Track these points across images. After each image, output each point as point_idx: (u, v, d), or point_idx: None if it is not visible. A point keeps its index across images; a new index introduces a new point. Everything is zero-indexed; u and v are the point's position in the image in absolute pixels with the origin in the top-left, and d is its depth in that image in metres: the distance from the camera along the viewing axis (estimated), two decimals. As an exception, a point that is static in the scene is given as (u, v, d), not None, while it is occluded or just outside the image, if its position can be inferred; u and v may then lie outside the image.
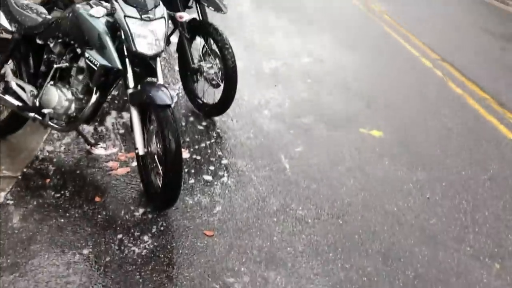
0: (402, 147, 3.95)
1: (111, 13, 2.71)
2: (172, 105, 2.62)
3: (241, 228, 2.80)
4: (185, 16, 3.13)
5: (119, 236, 2.64)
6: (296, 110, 4.45)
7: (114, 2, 2.77)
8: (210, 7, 3.77)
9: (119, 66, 2.74)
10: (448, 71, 5.93)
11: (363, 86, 5.17)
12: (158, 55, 2.81)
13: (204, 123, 4.01)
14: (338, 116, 4.40)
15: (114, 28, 2.79)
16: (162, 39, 2.80)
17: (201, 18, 3.99)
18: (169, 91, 2.69)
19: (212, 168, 3.40)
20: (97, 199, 2.93)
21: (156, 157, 2.74)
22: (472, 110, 4.90)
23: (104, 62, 2.75)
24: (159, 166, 2.76)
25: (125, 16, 2.70)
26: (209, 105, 4.07)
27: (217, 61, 3.92)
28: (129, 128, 3.71)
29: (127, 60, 2.77)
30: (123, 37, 2.75)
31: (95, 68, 2.78)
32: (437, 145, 4.05)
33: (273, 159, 3.58)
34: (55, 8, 4.33)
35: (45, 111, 2.98)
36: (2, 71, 3.31)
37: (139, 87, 2.76)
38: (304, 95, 4.81)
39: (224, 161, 3.52)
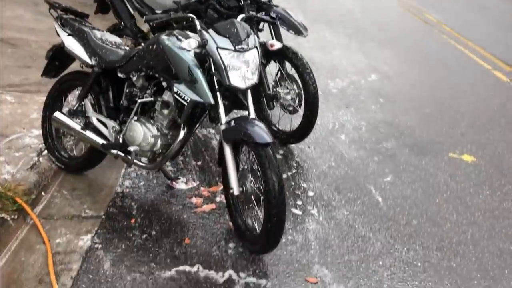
0: (500, 174, 3.62)
1: (202, 45, 2.55)
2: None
3: (346, 274, 2.55)
4: (276, 44, 2.96)
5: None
6: (375, 134, 4.18)
7: (205, 33, 2.61)
8: (290, 31, 3.58)
9: (212, 101, 2.56)
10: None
11: (440, 105, 4.86)
12: (251, 87, 2.63)
13: (281, 152, 3.80)
14: (422, 140, 4.11)
15: (202, 59, 2.63)
16: (256, 70, 2.62)
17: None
18: (266, 127, 2.50)
19: (299, 202, 3.17)
20: (186, 241, 2.75)
21: (253, 197, 2.54)
22: None
23: (195, 97, 2.58)
24: (256, 207, 2.56)
25: (217, 47, 2.53)
26: (286, 132, 3.86)
27: (294, 86, 3.72)
28: (207, 161, 3.59)
29: (218, 94, 2.60)
30: (213, 69, 2.58)
31: (185, 104, 2.61)
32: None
33: (362, 192, 3.32)
34: (123, 35, 4.27)
35: (131, 148, 2.83)
36: (82, 107, 3.21)
37: (232, 122, 2.57)
38: (380, 117, 4.54)
39: (311, 193, 3.28)
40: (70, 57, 3.47)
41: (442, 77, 5.74)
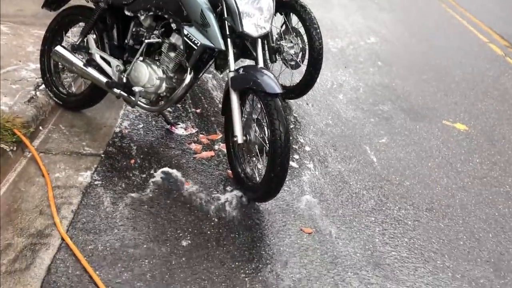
0: (491, 145, 3.72)
1: (217, -11, 2.50)
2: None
3: (339, 227, 2.64)
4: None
5: (214, 224, 2.50)
6: (372, 96, 4.22)
7: (221, -22, 2.55)
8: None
9: (223, 47, 2.54)
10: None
11: (437, 72, 4.90)
12: (263, 36, 2.61)
13: (280, 106, 3.81)
14: (418, 105, 4.16)
15: (214, 3, 2.58)
16: (269, 19, 2.59)
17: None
18: (275, 77, 2.49)
19: (296, 156, 3.22)
20: (186, 184, 2.79)
21: (256, 147, 2.57)
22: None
23: (206, 42, 2.55)
24: (258, 157, 2.59)
25: (232, -7, 2.49)
26: (286, 87, 3.84)
27: (299, 40, 3.69)
28: (206, 109, 3.59)
29: (228, 40, 2.57)
30: (225, 14, 2.54)
31: (195, 47, 2.58)
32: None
33: (358, 151, 3.38)
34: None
35: (136, 89, 2.80)
36: (84, 42, 3.14)
37: (241, 70, 2.56)
38: (377, 79, 4.57)
39: (307, 148, 3.34)
40: (72, -10, 3.37)
41: (440, 45, 5.75)
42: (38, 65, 3.38)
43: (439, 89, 4.56)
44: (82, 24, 3.28)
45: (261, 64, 2.67)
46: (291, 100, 3.90)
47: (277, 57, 3.76)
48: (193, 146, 3.14)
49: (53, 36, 3.31)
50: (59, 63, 3.22)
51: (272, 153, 2.40)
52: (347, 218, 2.72)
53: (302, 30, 3.63)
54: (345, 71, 4.64)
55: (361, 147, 3.43)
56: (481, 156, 3.54)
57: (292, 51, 3.72)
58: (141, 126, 3.27)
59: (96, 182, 2.69)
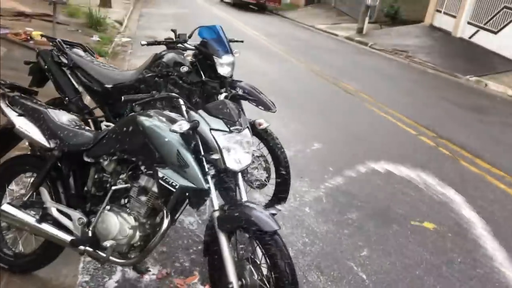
0: (463, 239, 3.72)
1: (193, 127, 2.35)
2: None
3: None
4: (264, 123, 2.84)
5: None
6: (336, 205, 4.15)
7: (194, 114, 2.43)
8: (260, 107, 3.50)
9: (205, 187, 2.35)
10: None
11: (387, 171, 5.03)
12: (245, 169, 2.47)
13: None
14: (381, 208, 4.15)
15: (187, 141, 2.43)
16: (250, 151, 2.47)
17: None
18: (267, 211, 2.32)
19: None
20: None
21: (257, 291, 2.30)
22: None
23: (185, 183, 2.33)
24: (260, 301, 2.31)
25: (211, 129, 2.36)
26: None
27: (261, 160, 3.62)
28: (171, 246, 3.27)
29: (209, 178, 2.39)
30: (202, 152, 2.39)
31: (173, 190, 2.36)
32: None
33: (344, 269, 3.20)
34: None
35: (108, 243, 2.46)
36: (34, 196, 2.79)
37: (227, 208, 2.36)
38: (335, 187, 4.56)
39: (292, 276, 3.09)
40: (14, 140, 3.08)
41: (378, 143, 6.00)
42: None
43: (396, 189, 4.64)
44: (26, 174, 2.96)
45: (244, 197, 2.51)
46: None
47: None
48: (172, 296, 2.79)
49: (-7, 190, 2.93)
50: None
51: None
52: None
53: (264, 151, 3.58)
54: (303, 182, 4.59)
55: (346, 265, 3.26)
56: (460, 255, 3.51)
57: (255, 172, 3.62)
58: (107, 279, 2.87)
59: None
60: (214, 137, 2.34)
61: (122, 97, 2.49)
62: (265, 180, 3.61)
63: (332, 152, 5.51)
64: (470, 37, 14.63)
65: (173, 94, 2.54)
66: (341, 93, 8.72)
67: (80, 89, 3.97)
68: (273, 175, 3.57)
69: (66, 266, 2.94)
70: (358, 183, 4.68)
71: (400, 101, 8.40)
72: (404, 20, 18.61)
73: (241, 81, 3.62)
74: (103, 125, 3.18)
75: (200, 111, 2.45)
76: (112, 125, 3.13)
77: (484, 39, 13.93)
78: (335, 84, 9.27)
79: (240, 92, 3.45)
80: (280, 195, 3.60)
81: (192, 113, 2.46)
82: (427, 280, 3.16)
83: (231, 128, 2.38)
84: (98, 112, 4.04)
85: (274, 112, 3.53)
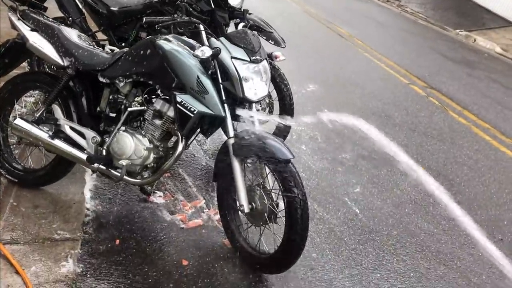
0: (449, 184, 3.95)
1: (214, 54, 2.38)
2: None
3: (353, 286, 2.58)
4: (280, 56, 2.87)
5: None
6: (331, 145, 4.30)
7: (216, 41, 2.45)
8: (270, 41, 3.51)
9: (223, 114, 2.41)
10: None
11: (379, 116, 5.17)
12: (262, 99, 2.53)
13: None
14: (373, 150, 4.31)
15: (206, 67, 2.45)
16: (268, 82, 2.52)
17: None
18: (282, 141, 2.41)
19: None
20: (184, 262, 2.55)
21: (265, 215, 2.43)
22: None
23: (204, 109, 2.38)
24: (268, 225, 2.46)
25: (232, 57, 2.40)
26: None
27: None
28: (177, 172, 3.37)
29: (225, 105, 2.45)
30: (220, 79, 2.43)
31: (191, 115, 2.40)
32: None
33: (339, 203, 3.38)
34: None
35: (123, 162, 2.53)
36: (47, 113, 2.81)
37: (244, 136, 2.43)
38: (329, 127, 4.68)
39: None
40: (23, 55, 3.05)
41: (371, 90, 6.10)
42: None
43: (386, 132, 4.79)
44: (37, 91, 2.96)
45: (257, 127, 2.58)
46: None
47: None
48: (178, 216, 2.92)
49: (1, 105, 2.93)
50: (7, 135, 2.84)
51: (291, 222, 2.28)
52: (356, 278, 2.67)
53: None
54: (298, 121, 4.68)
55: (340, 199, 3.44)
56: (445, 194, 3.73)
57: (258, 107, 3.68)
58: (113, 199, 2.97)
59: (83, 272, 2.36)
60: (234, 66, 2.38)
61: (144, 18, 2.48)
62: (267, 114, 3.68)
63: (327, 94, 5.59)
64: (464, -9, 14.49)
65: (195, 19, 2.54)
66: (335, 37, 8.69)
67: (84, 10, 3.88)
68: (276, 112, 3.64)
69: (73, 184, 3.02)
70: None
71: (392, 49, 8.44)
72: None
73: (251, 13, 3.60)
74: (107, 48, 3.16)
75: (222, 38, 2.47)
76: (116, 49, 3.12)
77: (477, -6, 13.84)
78: (329, 28, 9.21)
79: (248, 23, 3.44)
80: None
81: (213, 40, 2.48)
82: (415, 217, 3.38)
83: (252, 58, 2.42)
84: (99, 36, 3.98)
85: (284, 47, 3.56)
